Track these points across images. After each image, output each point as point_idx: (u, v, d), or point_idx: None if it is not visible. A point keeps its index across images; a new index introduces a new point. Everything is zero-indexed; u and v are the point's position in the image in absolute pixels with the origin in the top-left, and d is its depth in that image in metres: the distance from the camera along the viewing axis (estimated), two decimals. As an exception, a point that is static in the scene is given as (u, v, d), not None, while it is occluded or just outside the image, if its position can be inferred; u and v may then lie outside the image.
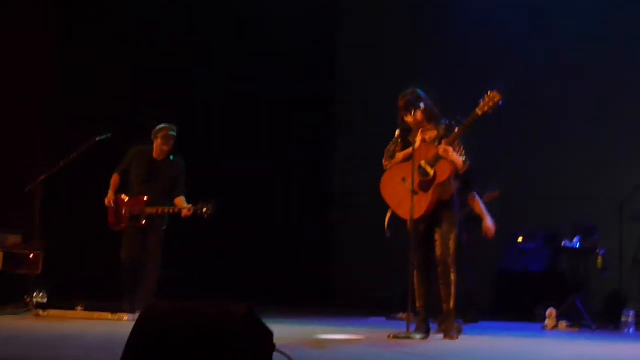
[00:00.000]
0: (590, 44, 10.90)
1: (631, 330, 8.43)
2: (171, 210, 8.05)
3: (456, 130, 6.40)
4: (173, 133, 8.23)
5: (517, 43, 11.18)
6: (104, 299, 8.22)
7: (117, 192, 8.32)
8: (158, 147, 8.24)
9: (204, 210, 7.88)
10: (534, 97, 11.11)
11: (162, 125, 8.26)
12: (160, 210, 8.06)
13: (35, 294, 8.36)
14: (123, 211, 8.19)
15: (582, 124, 10.97)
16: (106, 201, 8.24)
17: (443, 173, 6.37)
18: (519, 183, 10.90)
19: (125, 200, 8.22)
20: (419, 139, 6.53)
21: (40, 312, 8.05)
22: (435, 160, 6.38)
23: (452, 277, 6.54)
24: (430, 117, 6.58)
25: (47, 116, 10.31)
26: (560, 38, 11.10)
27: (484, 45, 11.25)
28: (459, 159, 6.43)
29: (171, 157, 8.31)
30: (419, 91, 6.61)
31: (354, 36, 12.53)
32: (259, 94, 11.40)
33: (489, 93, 6.33)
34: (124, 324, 7.23)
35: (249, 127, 11.40)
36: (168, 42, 10.70)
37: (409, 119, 6.53)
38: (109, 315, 7.85)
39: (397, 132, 6.68)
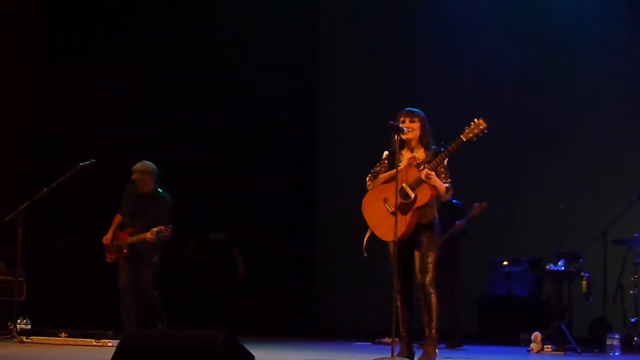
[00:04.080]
0: (578, 70, 11.03)
1: (616, 353, 8.45)
2: (141, 237, 8.31)
3: (440, 155, 6.42)
4: (140, 171, 8.50)
5: (506, 71, 11.30)
6: (88, 326, 8.18)
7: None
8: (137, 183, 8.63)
9: (164, 232, 8.16)
10: (520, 125, 11.20)
11: (137, 164, 8.59)
12: (135, 239, 8.37)
13: (18, 321, 8.32)
14: (113, 245, 8.55)
15: (568, 150, 11.05)
16: (103, 239, 8.57)
17: (423, 197, 6.37)
18: (504, 208, 10.95)
19: (116, 235, 8.58)
20: (405, 161, 6.53)
21: (24, 338, 7.99)
22: (416, 184, 6.39)
23: (433, 301, 6.47)
24: (421, 141, 6.57)
25: (30, 144, 10.35)
26: (546, 63, 11.23)
27: (471, 75, 11.36)
28: (441, 184, 6.41)
29: (159, 190, 8.60)
30: (419, 112, 6.58)
31: (335, 61, 12.58)
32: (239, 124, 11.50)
33: (475, 120, 6.35)
34: (108, 350, 7.17)
35: (231, 152, 11.44)
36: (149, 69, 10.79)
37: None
38: (93, 342, 7.81)
39: (385, 153, 6.67)
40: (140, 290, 8.39)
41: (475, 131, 6.31)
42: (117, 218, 8.67)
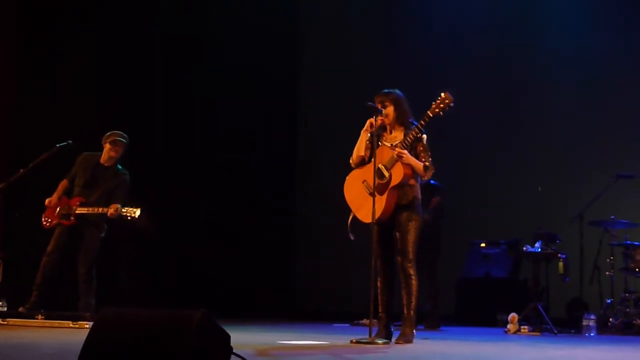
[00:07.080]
0: (561, 55, 11.09)
1: (592, 333, 8.52)
2: (99, 210, 8.04)
3: (410, 133, 6.41)
4: (122, 140, 8.31)
5: (487, 54, 11.34)
6: (65, 308, 8.14)
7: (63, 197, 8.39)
8: (106, 152, 8.32)
9: (131, 213, 7.88)
10: (499, 108, 11.24)
11: (112, 132, 8.34)
12: (90, 210, 8.10)
13: (-5, 303, 8.28)
14: (57, 210, 8.26)
15: (545, 133, 11.11)
16: (46, 201, 8.32)
17: (397, 176, 6.37)
18: (482, 191, 10.99)
19: (62, 200, 8.31)
20: (387, 142, 6.53)
21: (0, 320, 7.94)
22: (391, 163, 6.39)
23: (413, 282, 6.49)
24: (400, 121, 6.57)
25: (7, 126, 10.28)
26: (532, 48, 11.29)
27: (450, 58, 11.41)
28: (417, 162, 6.41)
29: (119, 167, 8.37)
30: (392, 93, 6.58)
31: (317, 47, 12.60)
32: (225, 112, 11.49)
33: (441, 95, 6.35)
34: (84, 332, 7.13)
35: (210, 140, 11.43)
36: (131, 57, 10.71)
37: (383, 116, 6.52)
38: (69, 324, 7.77)
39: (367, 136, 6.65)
40: (82, 267, 8.09)
41: (442, 105, 6.32)
42: (64, 183, 8.37)
